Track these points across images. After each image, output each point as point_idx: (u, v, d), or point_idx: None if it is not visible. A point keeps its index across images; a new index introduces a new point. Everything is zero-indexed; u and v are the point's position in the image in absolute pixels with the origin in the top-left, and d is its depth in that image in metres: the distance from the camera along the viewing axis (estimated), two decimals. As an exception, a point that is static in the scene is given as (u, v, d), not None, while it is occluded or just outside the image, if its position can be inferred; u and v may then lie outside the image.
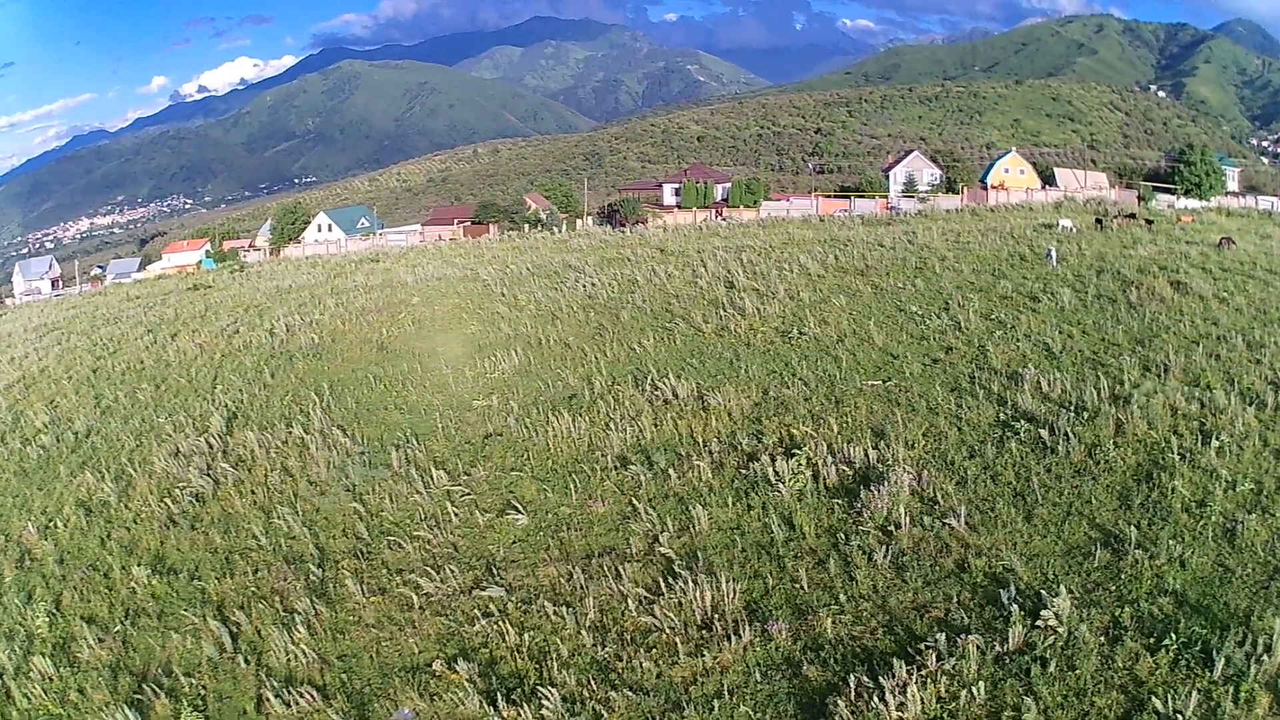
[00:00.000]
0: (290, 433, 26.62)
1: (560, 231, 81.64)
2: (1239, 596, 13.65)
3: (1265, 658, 12.00)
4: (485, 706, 13.82)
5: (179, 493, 23.25)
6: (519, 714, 13.48)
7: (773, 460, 19.98)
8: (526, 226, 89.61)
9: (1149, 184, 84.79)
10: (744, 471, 20.34)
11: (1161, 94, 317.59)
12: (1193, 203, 74.45)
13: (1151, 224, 51.65)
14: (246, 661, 16.01)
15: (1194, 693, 11.64)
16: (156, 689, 15.44)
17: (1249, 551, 14.73)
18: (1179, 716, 11.39)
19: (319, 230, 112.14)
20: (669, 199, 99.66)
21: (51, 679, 16.33)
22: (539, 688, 13.98)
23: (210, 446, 26.39)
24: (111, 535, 21.74)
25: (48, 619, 18.27)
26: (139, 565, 19.69)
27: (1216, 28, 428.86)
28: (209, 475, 24.22)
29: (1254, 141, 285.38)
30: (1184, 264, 35.83)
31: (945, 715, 12.26)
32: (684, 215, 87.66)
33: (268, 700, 14.77)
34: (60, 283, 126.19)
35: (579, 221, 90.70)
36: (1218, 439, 18.31)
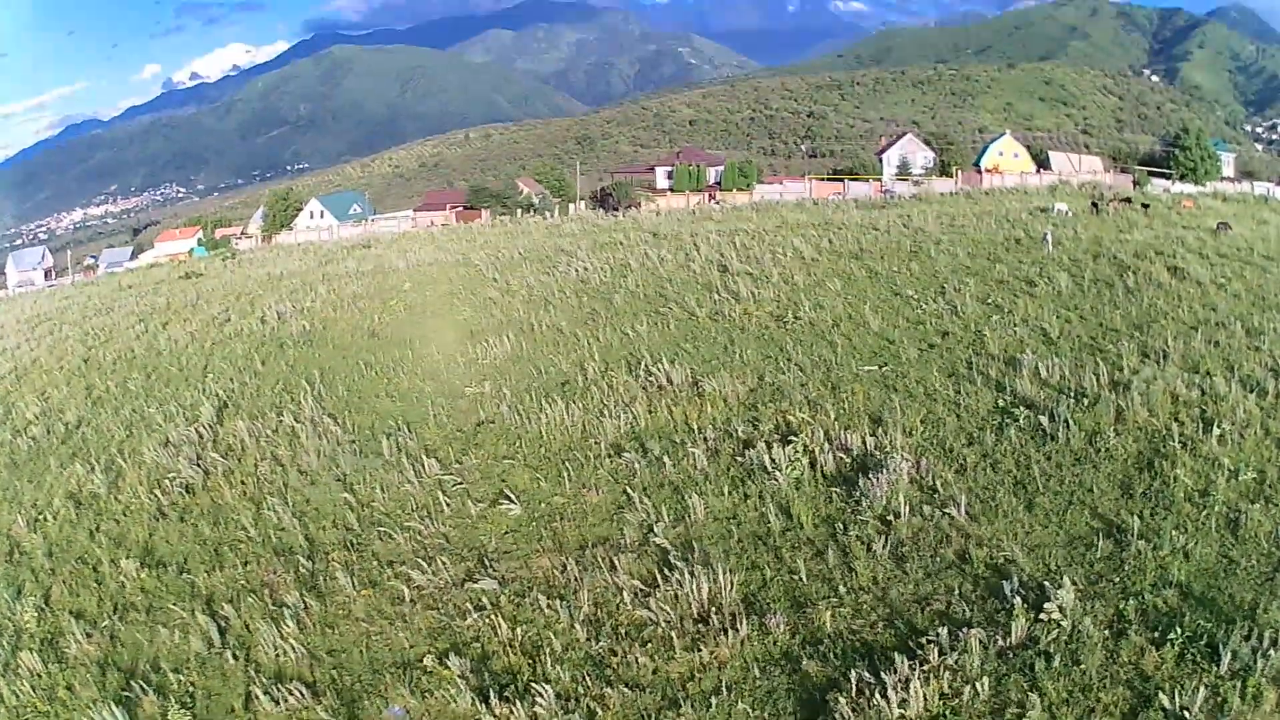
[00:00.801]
0: (281, 421, 26.30)
1: (553, 216, 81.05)
2: (1244, 589, 13.37)
3: (1272, 652, 11.72)
4: (478, 704, 13.52)
5: (169, 484, 22.95)
6: (512, 712, 13.18)
7: (769, 448, 19.58)
8: (519, 211, 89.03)
9: (1144, 168, 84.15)
10: (740, 459, 19.95)
11: (1155, 79, 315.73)
12: (1189, 187, 73.93)
13: (1147, 208, 51.14)
14: (235, 657, 15.72)
15: (1201, 688, 11.35)
16: (145, 686, 15.14)
17: (1253, 542, 14.45)
18: (1186, 713, 11.12)
19: (311, 217, 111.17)
20: (661, 182, 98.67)
21: (40, 675, 16.06)
22: (532, 684, 13.68)
23: (200, 436, 26.09)
24: (101, 528, 21.45)
25: (36, 614, 18.02)
26: (128, 558, 19.40)
27: (1210, 13, 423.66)
28: (199, 465, 23.89)
29: (1248, 128, 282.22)
30: (1180, 249, 35.54)
31: (948, 713, 11.96)
32: (677, 199, 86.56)
33: (256, 698, 14.48)
34: (54, 273, 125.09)
35: (571, 206, 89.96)
36: (1219, 427, 17.94)
